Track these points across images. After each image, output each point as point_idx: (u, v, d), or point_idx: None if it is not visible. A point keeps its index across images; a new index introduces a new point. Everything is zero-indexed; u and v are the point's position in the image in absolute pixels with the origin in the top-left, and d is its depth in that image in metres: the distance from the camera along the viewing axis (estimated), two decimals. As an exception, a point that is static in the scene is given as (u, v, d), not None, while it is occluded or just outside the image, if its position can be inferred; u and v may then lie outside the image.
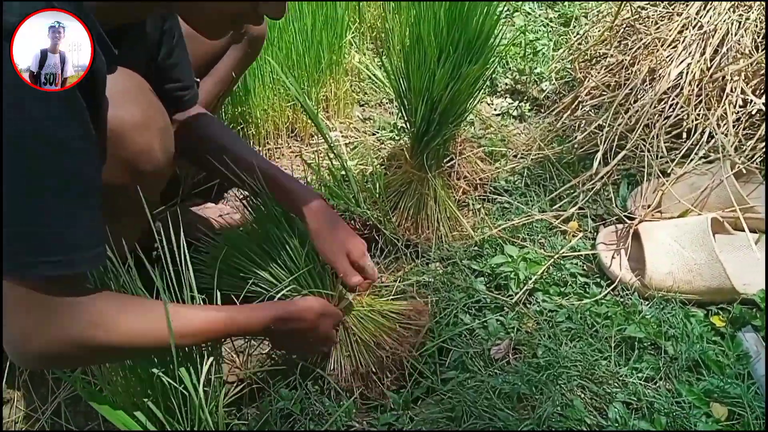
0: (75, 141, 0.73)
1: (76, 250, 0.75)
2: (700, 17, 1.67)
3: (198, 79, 1.36)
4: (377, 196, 1.48)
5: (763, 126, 1.48)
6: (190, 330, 0.88)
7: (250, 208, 1.22)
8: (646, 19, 1.80)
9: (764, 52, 1.54)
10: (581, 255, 1.37)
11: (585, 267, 1.35)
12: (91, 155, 0.76)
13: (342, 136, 1.88)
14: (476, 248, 1.41)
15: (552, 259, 1.34)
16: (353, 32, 2.16)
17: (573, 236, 1.42)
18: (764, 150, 1.46)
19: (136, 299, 0.89)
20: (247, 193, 1.19)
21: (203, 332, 0.90)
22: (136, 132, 0.92)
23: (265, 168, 1.13)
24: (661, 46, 1.68)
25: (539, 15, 2.39)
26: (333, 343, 1.12)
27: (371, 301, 1.18)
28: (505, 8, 2.37)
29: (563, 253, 1.36)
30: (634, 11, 1.81)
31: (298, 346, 1.08)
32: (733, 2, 1.64)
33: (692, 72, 1.58)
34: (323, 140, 1.71)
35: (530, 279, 1.29)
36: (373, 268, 1.15)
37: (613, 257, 1.33)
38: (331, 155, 1.63)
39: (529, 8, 2.42)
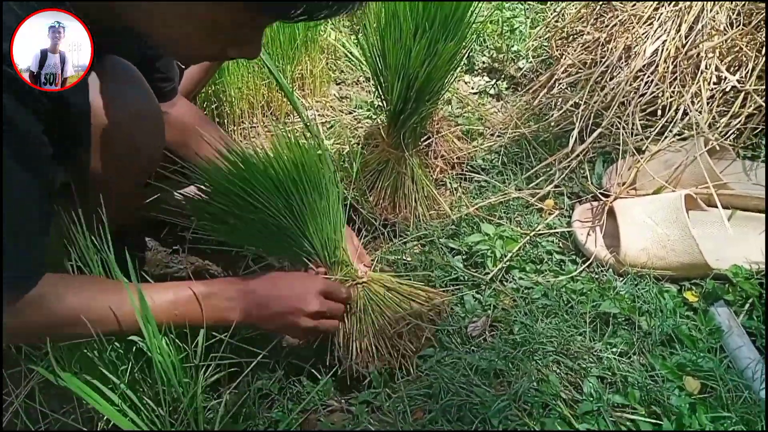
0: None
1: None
2: (676, -6, 1.67)
3: (184, 66, 1.35)
4: (354, 175, 1.48)
5: (737, 103, 1.49)
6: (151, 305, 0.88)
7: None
8: (623, -4, 1.80)
9: (739, 29, 1.55)
10: (557, 232, 1.38)
11: (561, 244, 1.36)
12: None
13: (318, 115, 1.86)
14: (453, 227, 1.42)
15: (528, 237, 1.35)
16: (329, 9, 2.13)
17: (549, 214, 1.43)
18: (738, 127, 1.47)
19: (85, 279, 0.89)
20: None
21: (167, 306, 0.90)
22: (130, 127, 0.92)
23: None
24: (637, 23, 1.68)
25: (516, -8, 2.38)
26: (323, 312, 1.05)
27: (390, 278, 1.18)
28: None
29: (539, 230, 1.37)
30: (610, -12, 1.81)
31: (279, 315, 1.01)
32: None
33: (667, 49, 1.58)
34: (299, 119, 1.69)
35: (506, 256, 1.29)
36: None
37: (588, 234, 1.34)
38: (307, 134, 1.61)
39: (507, -15, 2.41)
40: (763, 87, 1.48)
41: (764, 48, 1.52)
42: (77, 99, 0.82)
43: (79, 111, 0.82)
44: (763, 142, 1.49)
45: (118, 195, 1.02)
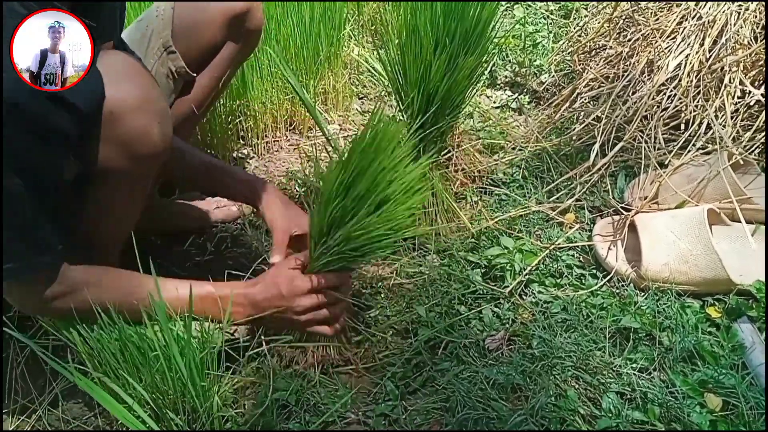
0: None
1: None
2: (699, 8, 1.66)
3: (195, 74, 1.36)
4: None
5: (761, 117, 1.47)
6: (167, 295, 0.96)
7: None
8: (645, 10, 1.79)
9: (763, 43, 1.54)
10: (577, 246, 1.37)
11: (581, 258, 1.35)
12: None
13: (340, 129, 1.88)
14: (473, 240, 1.41)
15: (548, 251, 1.34)
16: (351, 24, 2.16)
17: (569, 228, 1.42)
18: (763, 141, 1.45)
19: (108, 269, 0.98)
20: None
21: (181, 298, 0.98)
22: (135, 113, 0.91)
23: (221, 165, 1.28)
24: (660, 37, 1.67)
25: (539, 7, 2.39)
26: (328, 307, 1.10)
27: None
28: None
29: (559, 244, 1.36)
30: (633, 3, 1.80)
31: (278, 319, 1.08)
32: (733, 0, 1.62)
33: (691, 63, 1.57)
34: (321, 133, 1.71)
35: (526, 270, 1.29)
36: None
37: (609, 248, 1.32)
38: (329, 148, 1.63)
39: None
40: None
41: (765, 48, 1.50)
42: (88, 105, 0.84)
43: (89, 111, 0.84)
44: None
45: (131, 190, 1.03)
